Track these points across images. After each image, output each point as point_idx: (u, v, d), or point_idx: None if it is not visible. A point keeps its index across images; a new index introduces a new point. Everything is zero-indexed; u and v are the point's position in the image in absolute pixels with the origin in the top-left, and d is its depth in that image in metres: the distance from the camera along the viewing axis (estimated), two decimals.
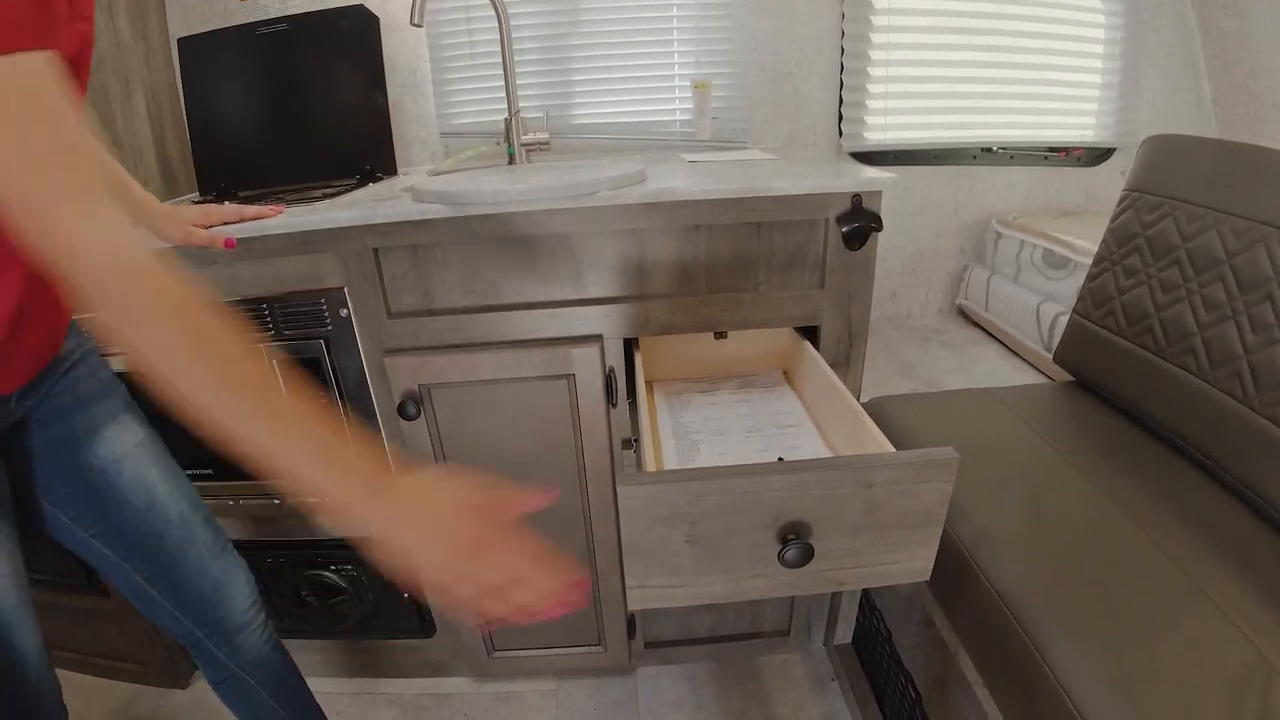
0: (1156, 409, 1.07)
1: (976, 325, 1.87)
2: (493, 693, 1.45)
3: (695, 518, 0.70)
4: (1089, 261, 1.26)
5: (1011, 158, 1.87)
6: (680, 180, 1.06)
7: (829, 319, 1.10)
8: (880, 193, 1.02)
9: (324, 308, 1.07)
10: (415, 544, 0.56)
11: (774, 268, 1.07)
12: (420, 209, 0.99)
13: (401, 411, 1.08)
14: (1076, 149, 1.89)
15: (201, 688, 1.48)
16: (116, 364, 0.90)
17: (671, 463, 0.95)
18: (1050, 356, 1.36)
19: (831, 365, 1.09)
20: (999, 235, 1.80)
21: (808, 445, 0.98)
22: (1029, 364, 1.62)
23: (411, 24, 1.26)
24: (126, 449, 0.87)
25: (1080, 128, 1.85)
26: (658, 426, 1.05)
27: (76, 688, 0.84)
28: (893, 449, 0.77)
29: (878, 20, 1.67)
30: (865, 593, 1.42)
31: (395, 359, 1.08)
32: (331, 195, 1.21)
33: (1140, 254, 1.14)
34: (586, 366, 1.08)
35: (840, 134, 1.77)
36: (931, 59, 1.74)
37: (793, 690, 1.41)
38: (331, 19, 1.47)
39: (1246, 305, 0.94)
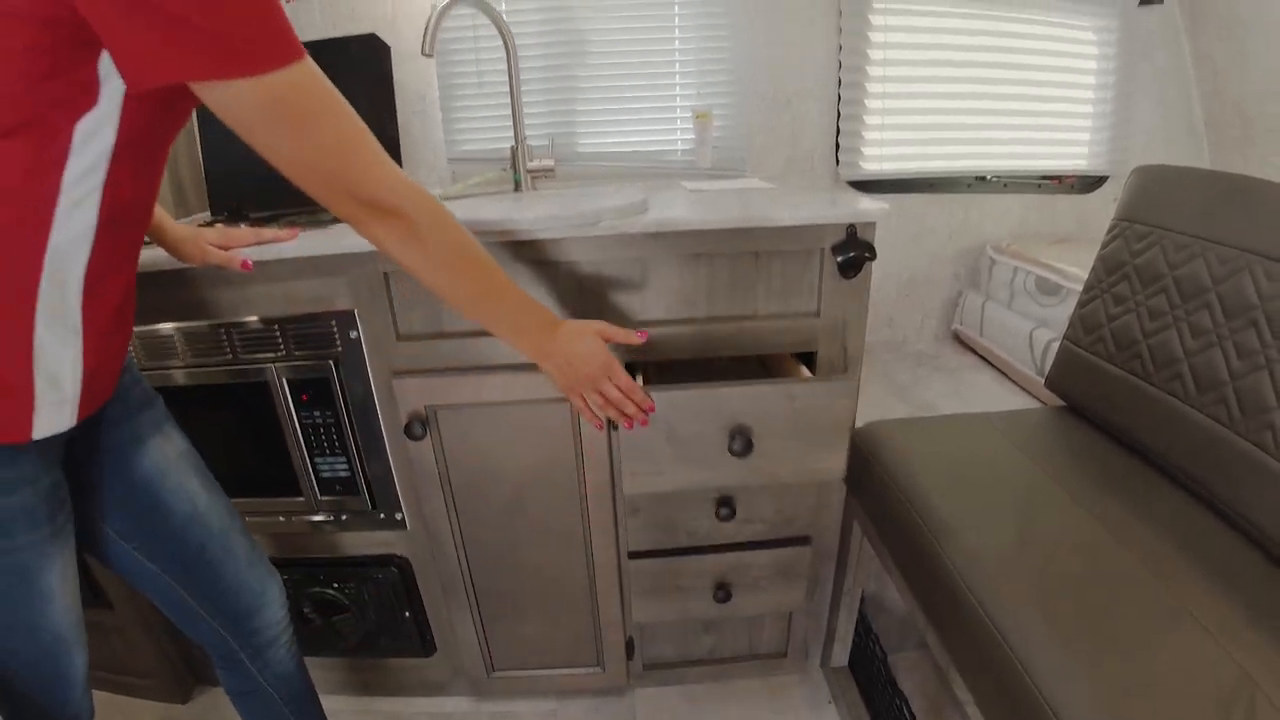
0: (1145, 433, 1.10)
1: (971, 350, 1.90)
2: (492, 712, 1.46)
3: (672, 421, 1.01)
4: (1080, 288, 1.29)
5: (1005, 185, 1.91)
6: (681, 210, 1.09)
7: (825, 345, 1.13)
8: (874, 223, 1.06)
9: (334, 329, 1.10)
10: (568, 372, 0.88)
11: (772, 295, 1.10)
12: None
13: (408, 432, 1.10)
14: (1069, 176, 1.92)
15: (202, 702, 1.49)
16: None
17: None
18: (1043, 381, 1.39)
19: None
20: (993, 262, 1.83)
21: None
22: (1022, 389, 1.65)
23: (423, 54, 1.29)
24: (170, 459, 0.89)
25: (1073, 156, 1.89)
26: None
27: None
28: (811, 376, 1.09)
29: (874, 53, 1.72)
30: (861, 615, 1.43)
31: (403, 380, 1.10)
32: (335, 220, 1.24)
33: (1129, 282, 1.17)
34: None
35: (837, 162, 1.81)
36: (927, 90, 1.78)
37: (790, 712, 1.42)
38: (344, 46, 1.51)
39: (1231, 332, 0.97)
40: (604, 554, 1.25)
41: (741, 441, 1.01)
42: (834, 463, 1.06)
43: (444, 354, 1.11)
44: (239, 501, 1.23)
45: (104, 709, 1.47)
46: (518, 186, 1.50)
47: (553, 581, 1.30)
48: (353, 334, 1.10)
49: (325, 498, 1.23)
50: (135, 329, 1.10)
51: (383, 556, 1.30)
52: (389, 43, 1.53)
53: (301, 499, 1.23)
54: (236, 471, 1.21)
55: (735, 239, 1.05)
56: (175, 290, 1.08)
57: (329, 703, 1.45)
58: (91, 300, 0.68)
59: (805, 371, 1.12)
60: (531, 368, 1.10)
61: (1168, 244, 1.11)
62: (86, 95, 0.58)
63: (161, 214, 0.99)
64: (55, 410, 0.68)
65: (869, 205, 1.07)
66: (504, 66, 1.47)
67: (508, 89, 1.48)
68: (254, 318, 1.10)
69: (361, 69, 1.51)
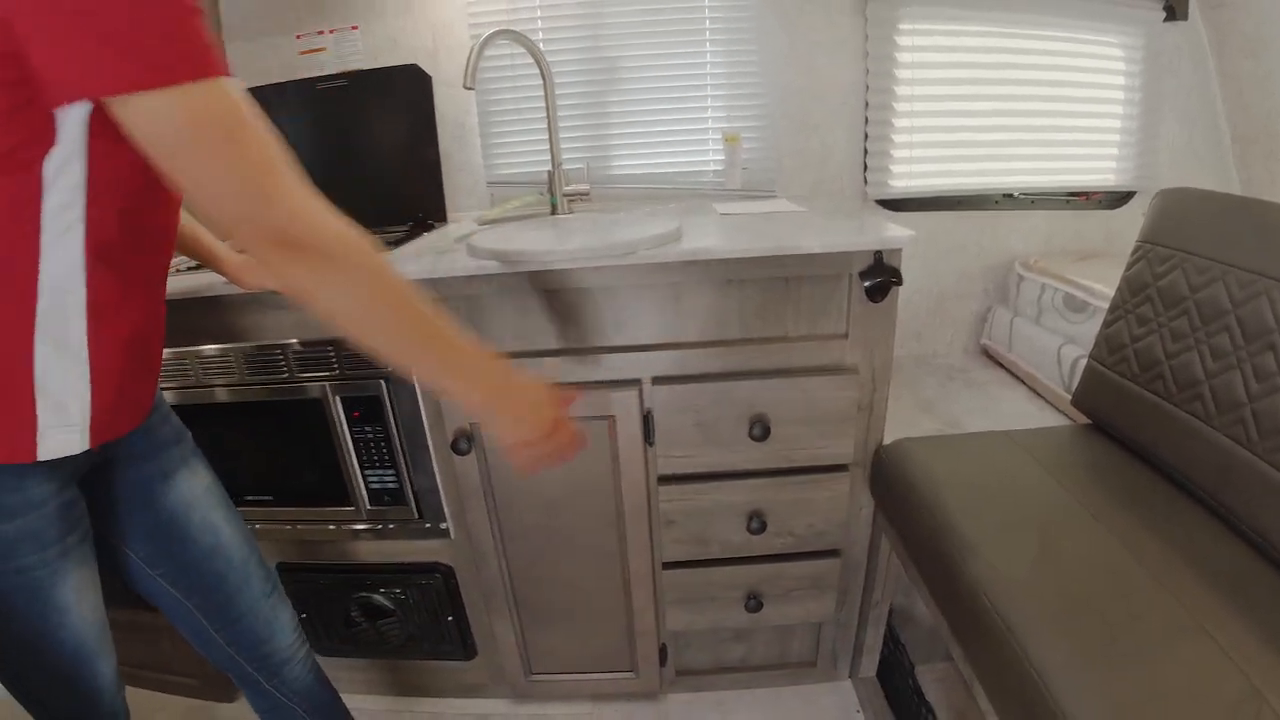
0: (1167, 453, 1.12)
1: (1000, 365, 1.92)
2: (529, 714, 1.52)
3: (700, 408, 1.17)
4: (1106, 306, 1.31)
5: (1033, 202, 1.93)
6: (713, 239, 1.14)
7: (853, 365, 1.17)
8: (900, 249, 1.10)
9: None
10: (516, 425, 0.81)
11: (801, 317, 1.15)
12: (477, 264, 1.09)
13: (455, 448, 1.16)
14: (1096, 193, 1.94)
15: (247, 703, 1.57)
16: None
17: None
18: (1069, 398, 1.41)
19: (856, 408, 1.16)
20: (1021, 278, 1.85)
21: None
22: (1050, 404, 1.67)
23: (464, 87, 1.35)
24: (196, 494, 0.93)
25: (1100, 172, 1.90)
26: None
27: (130, 700, 0.92)
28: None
29: (901, 73, 1.75)
30: (889, 626, 1.47)
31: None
32: (391, 244, 1.31)
33: (1152, 303, 1.19)
34: (625, 409, 1.16)
35: (865, 181, 1.84)
36: (953, 109, 1.81)
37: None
38: (388, 78, 1.59)
39: (1250, 355, 0.99)
40: (639, 564, 1.30)
41: (760, 428, 1.15)
42: (841, 448, 1.20)
43: None
44: (291, 511, 1.32)
45: (152, 707, 1.56)
46: (554, 210, 1.56)
47: (589, 590, 1.35)
48: None
49: (374, 508, 1.30)
50: (196, 349, 1.18)
51: (427, 564, 1.36)
52: (430, 73, 1.60)
53: (351, 508, 1.30)
54: (290, 481, 1.29)
55: (766, 265, 1.10)
56: (235, 314, 1.16)
57: (370, 703, 1.53)
58: (99, 330, 0.70)
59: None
60: (575, 386, 1.16)
61: (1189, 267, 1.13)
62: (46, 132, 0.59)
63: (212, 240, 1.05)
64: (62, 434, 0.70)
65: (895, 232, 1.10)
66: (541, 94, 1.53)
67: (544, 116, 1.54)
68: (310, 339, 1.17)
69: (404, 98, 1.59)
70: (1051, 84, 1.81)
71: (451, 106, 1.74)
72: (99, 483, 0.85)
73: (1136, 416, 1.19)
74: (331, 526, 1.33)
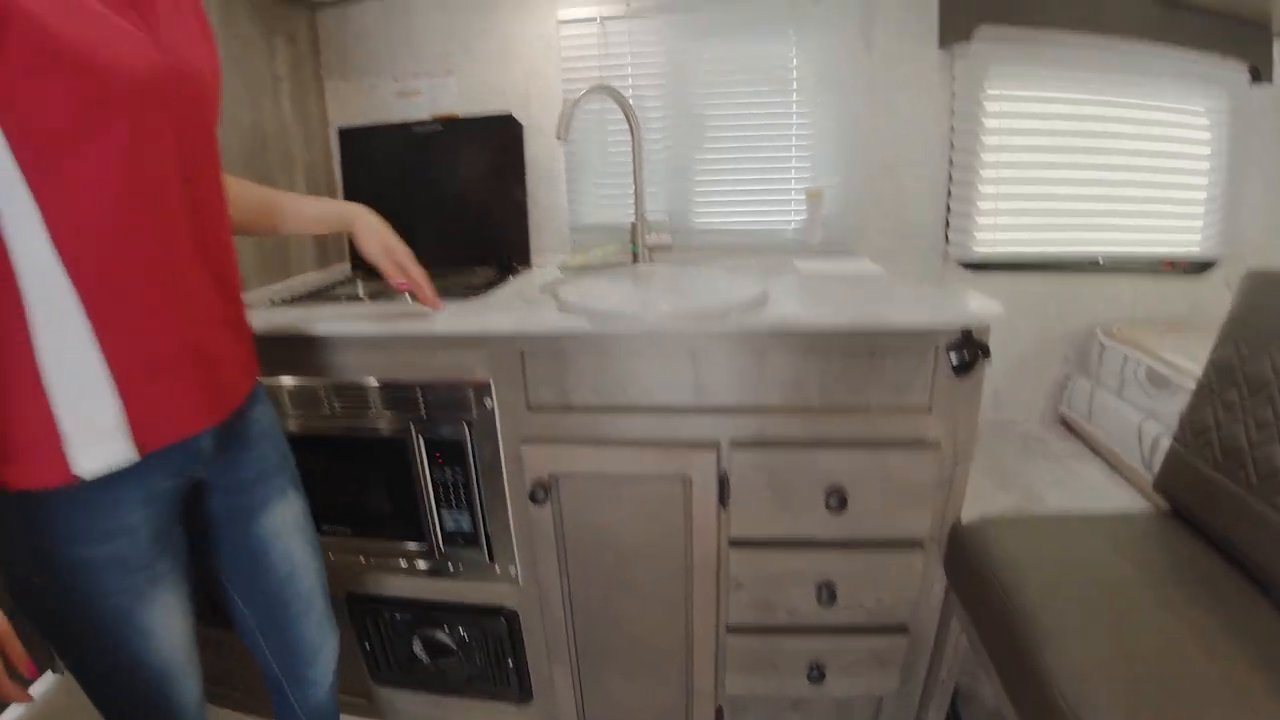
0: (1247, 546, 1.08)
1: (1078, 436, 1.87)
2: None
3: (776, 474, 1.17)
4: (1190, 383, 1.27)
5: (1116, 268, 1.89)
6: (797, 305, 1.14)
7: (935, 440, 1.16)
8: (989, 326, 1.08)
9: (471, 397, 1.20)
10: (382, 232, 1.13)
11: (885, 388, 1.14)
12: (567, 321, 1.11)
13: (532, 497, 1.18)
14: (1181, 261, 1.89)
15: None
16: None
17: None
18: (1149, 476, 1.37)
19: (935, 484, 1.15)
20: (1104, 347, 1.81)
21: None
22: (1129, 482, 1.62)
23: (557, 138, 1.39)
24: (286, 524, 0.98)
25: (1185, 243, 1.86)
26: None
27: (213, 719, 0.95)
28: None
29: (988, 139, 1.74)
30: (952, 704, 1.43)
31: (531, 448, 1.19)
32: (478, 288, 1.35)
33: (1237, 389, 1.15)
34: (702, 470, 1.17)
35: (947, 240, 1.83)
36: (1037, 176, 1.79)
37: None
38: (486, 125, 1.64)
39: None
40: (704, 625, 1.30)
41: (837, 498, 1.15)
42: (918, 523, 1.19)
43: (570, 426, 1.19)
44: (366, 544, 1.35)
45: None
46: (636, 259, 1.59)
47: (651, 646, 1.35)
48: (487, 402, 1.19)
49: (447, 547, 1.32)
50: (290, 382, 1.23)
51: (493, 607, 1.37)
52: (522, 119, 1.65)
53: (424, 545, 1.33)
54: (368, 513, 1.33)
55: (850, 337, 1.10)
56: (330, 353, 1.21)
57: None
58: (107, 325, 0.67)
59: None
60: (653, 445, 1.17)
61: (1275, 352, 1.09)
62: None
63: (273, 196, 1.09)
64: (97, 446, 0.68)
65: (984, 308, 1.09)
66: (628, 147, 1.56)
67: (630, 168, 1.57)
68: (399, 381, 1.21)
69: (497, 144, 1.64)
70: (1135, 152, 1.78)
71: (541, 151, 1.78)
72: (198, 505, 0.89)
73: (1217, 505, 1.14)
74: (403, 561, 1.36)
